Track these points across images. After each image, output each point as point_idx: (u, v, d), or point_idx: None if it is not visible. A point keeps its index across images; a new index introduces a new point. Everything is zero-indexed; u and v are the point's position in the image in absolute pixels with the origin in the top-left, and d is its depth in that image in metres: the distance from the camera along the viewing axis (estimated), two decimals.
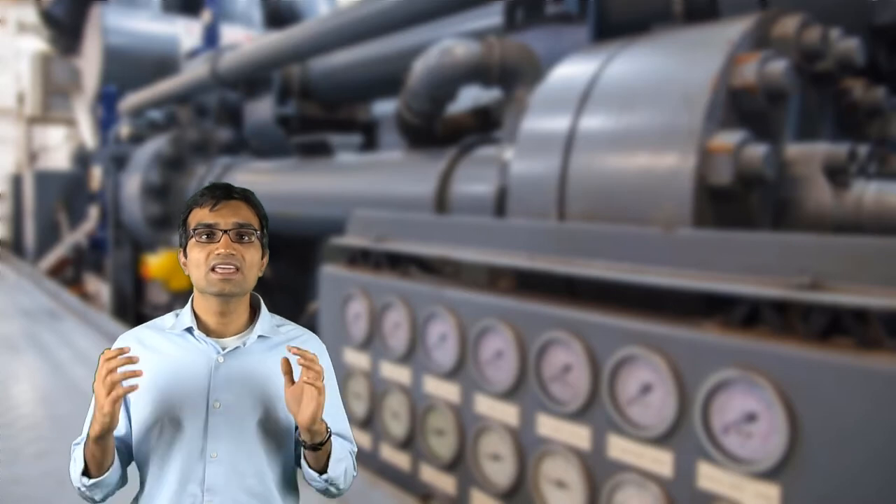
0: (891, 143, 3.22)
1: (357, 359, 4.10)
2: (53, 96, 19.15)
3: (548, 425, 3.00)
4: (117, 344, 1.53)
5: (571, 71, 3.47)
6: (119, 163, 10.46)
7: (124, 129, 11.05)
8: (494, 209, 3.83)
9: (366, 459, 4.02)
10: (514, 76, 4.25)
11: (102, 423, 1.34)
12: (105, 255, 11.32)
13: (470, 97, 5.17)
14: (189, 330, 1.50)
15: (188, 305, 1.53)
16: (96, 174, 11.57)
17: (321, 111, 8.02)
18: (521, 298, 3.20)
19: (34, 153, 22.55)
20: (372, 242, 4.12)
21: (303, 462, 1.49)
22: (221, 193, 1.48)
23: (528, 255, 3.15)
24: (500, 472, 3.23)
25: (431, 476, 3.63)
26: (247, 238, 1.47)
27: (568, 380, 2.90)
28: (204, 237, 1.45)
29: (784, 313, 2.34)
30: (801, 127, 3.05)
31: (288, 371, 1.41)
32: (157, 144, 9.48)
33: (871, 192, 2.71)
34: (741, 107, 2.83)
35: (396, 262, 4.03)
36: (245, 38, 10.37)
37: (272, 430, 1.48)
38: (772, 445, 2.25)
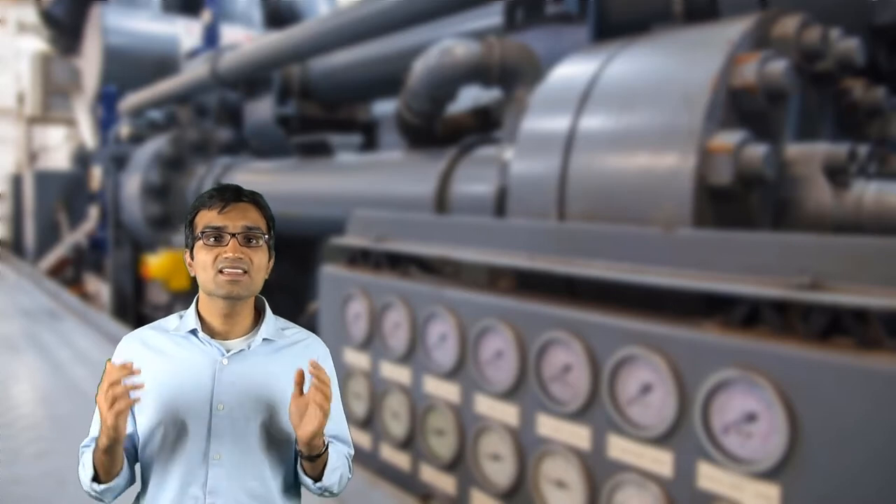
0: (891, 143, 3.22)
1: (357, 359, 4.10)
2: (53, 96, 19.15)
3: (548, 425, 3.00)
4: (121, 344, 1.54)
5: (571, 71, 3.47)
6: (119, 163, 10.46)
7: (124, 129, 11.05)
8: (494, 209, 3.83)
9: (366, 459, 4.03)
10: (514, 76, 4.25)
11: (108, 435, 1.35)
12: (105, 255, 11.33)
13: (470, 97, 5.17)
14: (193, 332, 1.50)
15: (192, 307, 1.53)
16: (96, 174, 11.57)
17: (321, 111, 8.02)
18: (521, 298, 3.20)
19: (34, 153, 22.54)
20: (372, 242, 4.12)
21: (298, 468, 1.50)
22: (231, 196, 1.47)
23: (528, 255, 3.15)
24: (500, 472, 3.23)
25: (431, 476, 3.63)
26: (255, 241, 1.46)
27: (568, 380, 2.90)
28: (212, 240, 1.45)
29: (784, 313, 2.34)
30: (801, 127, 3.05)
31: (300, 383, 1.41)
32: (157, 144, 9.48)
33: (871, 192, 2.71)
34: (741, 107, 2.83)
35: (396, 262, 4.03)
36: (245, 38, 10.37)
37: (275, 433, 1.48)
38: (772, 445, 2.25)
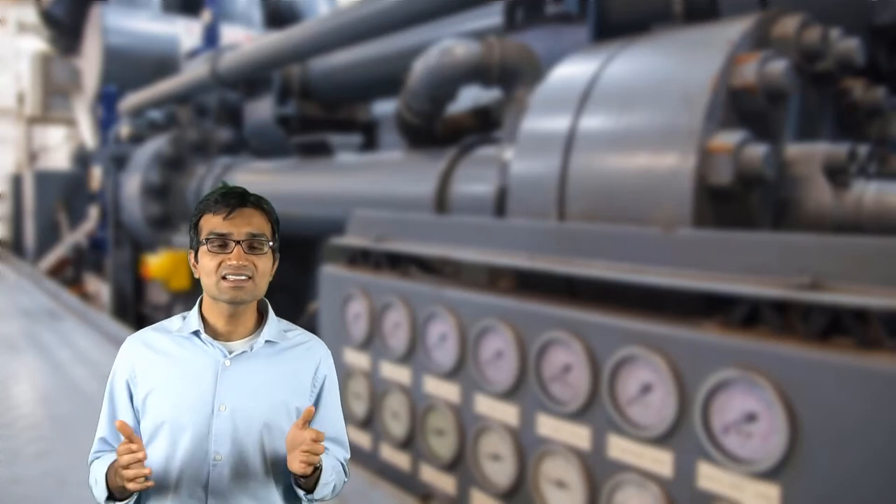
0: (891, 143, 3.22)
1: (357, 359, 4.10)
2: (53, 96, 19.14)
3: (548, 425, 3.00)
4: (124, 346, 1.54)
5: (571, 71, 3.47)
6: (119, 163, 10.47)
7: (124, 129, 11.05)
8: (494, 209, 3.83)
9: (366, 459, 4.03)
10: (514, 76, 4.25)
11: (133, 489, 1.38)
12: (105, 255, 11.33)
13: (470, 97, 5.17)
14: (196, 333, 1.50)
15: (195, 308, 1.53)
16: (96, 174, 11.57)
17: (321, 111, 8.02)
18: (521, 298, 3.20)
19: (34, 153, 22.54)
20: (372, 242, 4.12)
21: (291, 478, 1.50)
22: (235, 201, 1.46)
23: (528, 255, 3.15)
24: (500, 472, 3.23)
25: (431, 476, 3.63)
26: (259, 248, 1.46)
27: (568, 380, 2.90)
28: (216, 246, 1.44)
29: (784, 313, 2.34)
30: (801, 127, 3.05)
31: (306, 419, 1.41)
32: (157, 144, 9.48)
33: (871, 192, 2.71)
34: (741, 107, 2.83)
35: (396, 262, 4.03)
36: (245, 38, 10.37)
37: (276, 434, 1.49)
38: (772, 445, 2.25)
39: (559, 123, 3.27)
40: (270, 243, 1.48)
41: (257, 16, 13.48)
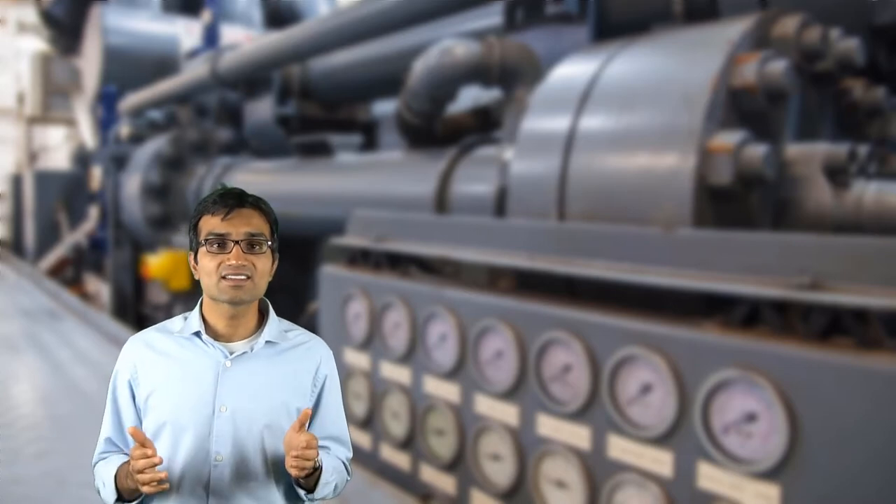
0: (891, 143, 3.22)
1: (357, 359, 4.10)
2: (53, 96, 19.15)
3: (548, 425, 3.00)
4: (126, 346, 1.55)
5: (571, 71, 3.47)
6: (119, 163, 10.47)
7: (124, 129, 11.05)
8: (494, 209, 3.83)
9: (366, 459, 4.03)
10: (514, 76, 4.25)
11: (149, 492, 1.39)
12: (105, 255, 11.33)
13: (470, 97, 5.17)
14: (197, 334, 1.51)
15: (196, 309, 1.53)
16: (96, 174, 11.57)
17: (321, 111, 8.02)
18: (521, 298, 3.20)
19: (34, 153, 22.55)
20: (372, 242, 4.12)
21: (292, 476, 1.51)
22: (234, 202, 1.47)
23: (528, 255, 3.15)
24: (500, 472, 3.23)
25: (431, 476, 3.63)
26: (258, 247, 1.47)
27: (568, 380, 2.90)
28: (215, 246, 1.45)
29: (784, 313, 2.34)
30: (801, 127, 3.05)
31: (303, 421, 1.42)
32: (157, 144, 9.48)
33: (871, 192, 2.71)
34: (741, 107, 2.83)
35: (396, 262, 4.03)
36: (245, 38, 10.37)
37: (277, 435, 1.49)
38: (772, 445, 2.25)
39: (559, 123, 3.27)
40: (269, 243, 1.49)
41: (257, 16, 13.48)
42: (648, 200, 2.85)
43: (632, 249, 2.77)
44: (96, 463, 1.54)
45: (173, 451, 1.46)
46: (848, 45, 2.98)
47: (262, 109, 8.05)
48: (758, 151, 2.65)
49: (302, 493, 1.50)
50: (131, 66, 12.45)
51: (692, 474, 2.48)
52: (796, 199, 2.84)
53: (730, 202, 2.77)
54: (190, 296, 8.06)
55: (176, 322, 1.56)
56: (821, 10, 3.11)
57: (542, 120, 3.43)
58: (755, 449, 2.31)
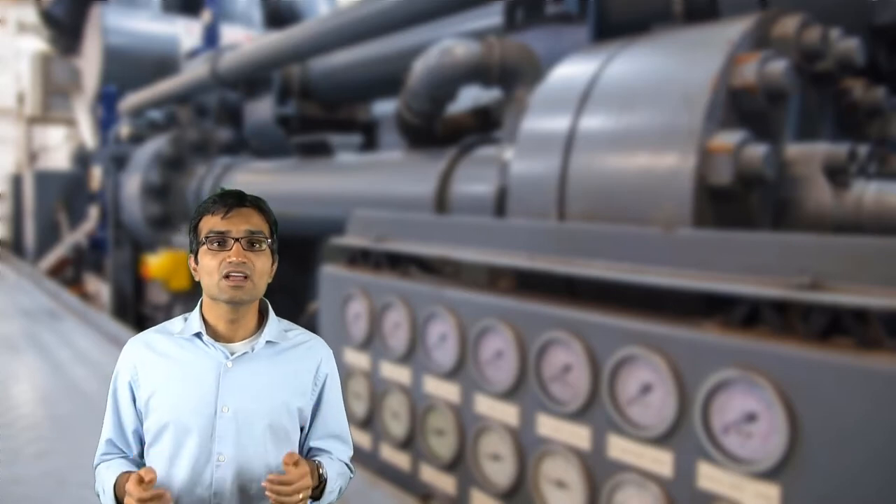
0: (891, 143, 3.22)
1: (357, 359, 4.10)
2: (53, 96, 19.14)
3: (548, 425, 3.00)
4: (126, 348, 1.55)
5: (571, 71, 3.47)
6: (119, 163, 10.47)
7: (124, 129, 11.05)
8: (494, 209, 3.83)
9: (366, 459, 4.03)
10: (514, 76, 4.25)
11: None
12: (105, 255, 11.33)
13: (470, 97, 5.17)
14: (198, 335, 1.51)
15: (197, 310, 1.54)
16: (96, 174, 11.57)
17: (321, 111, 8.02)
18: (521, 298, 3.20)
19: (34, 153, 22.54)
20: (372, 242, 4.12)
21: None
22: (233, 201, 1.48)
23: (528, 255, 3.15)
24: (500, 472, 3.23)
25: (431, 476, 3.63)
26: (258, 246, 1.47)
27: (568, 380, 2.90)
28: (215, 244, 1.46)
29: (784, 313, 2.34)
30: (801, 127, 3.05)
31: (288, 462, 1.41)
32: (157, 144, 9.48)
33: (871, 192, 2.71)
34: (741, 107, 2.83)
35: (396, 262, 4.03)
36: (245, 38, 10.37)
37: (279, 435, 1.50)
38: (772, 445, 2.25)
39: (559, 123, 3.27)
40: (269, 241, 1.49)
41: (257, 16, 13.48)
42: (648, 200, 2.85)
43: (632, 249, 2.77)
44: (97, 465, 1.54)
45: (176, 451, 1.47)
46: (848, 45, 2.98)
47: (262, 109, 8.05)
48: (758, 151, 2.65)
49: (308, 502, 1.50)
50: (131, 66, 12.45)
51: (692, 474, 2.48)
52: (796, 199, 2.84)
53: (730, 202, 2.77)
54: (190, 296, 8.06)
55: (176, 323, 1.56)
56: (821, 10, 3.11)
57: (542, 120, 3.43)
58: (755, 449, 2.31)
